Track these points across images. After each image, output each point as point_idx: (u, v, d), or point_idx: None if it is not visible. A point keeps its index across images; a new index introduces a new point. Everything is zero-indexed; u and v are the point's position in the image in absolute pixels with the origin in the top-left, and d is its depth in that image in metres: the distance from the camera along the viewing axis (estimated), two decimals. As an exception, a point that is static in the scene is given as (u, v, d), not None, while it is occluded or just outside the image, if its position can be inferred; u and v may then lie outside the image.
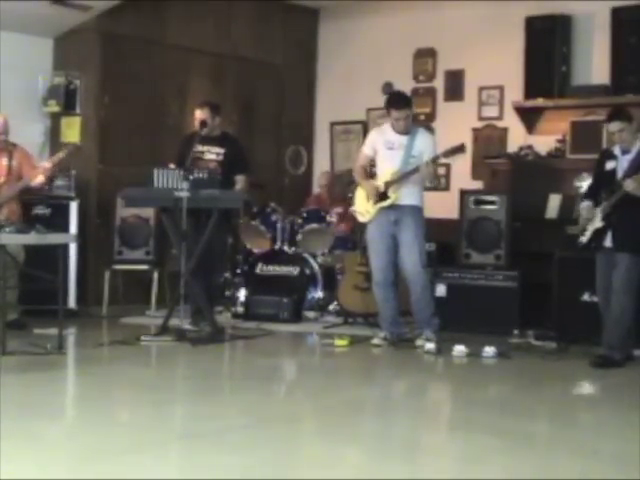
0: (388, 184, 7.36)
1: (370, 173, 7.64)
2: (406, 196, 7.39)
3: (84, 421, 4.96)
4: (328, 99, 10.94)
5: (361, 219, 7.64)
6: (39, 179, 7.76)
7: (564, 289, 7.70)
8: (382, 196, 7.39)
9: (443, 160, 7.56)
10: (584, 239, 6.92)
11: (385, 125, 7.66)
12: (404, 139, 7.41)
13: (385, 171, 7.42)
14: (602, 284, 6.92)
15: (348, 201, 9.35)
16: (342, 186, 9.62)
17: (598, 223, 6.82)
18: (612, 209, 6.75)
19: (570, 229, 7.57)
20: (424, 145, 7.42)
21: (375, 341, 7.48)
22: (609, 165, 6.93)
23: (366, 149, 7.62)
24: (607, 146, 7.68)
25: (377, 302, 7.59)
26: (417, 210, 7.45)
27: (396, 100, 7.55)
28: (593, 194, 7.00)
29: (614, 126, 6.85)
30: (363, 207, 7.55)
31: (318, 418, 5.19)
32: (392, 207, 7.38)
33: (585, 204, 6.99)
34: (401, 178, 7.33)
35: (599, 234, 6.83)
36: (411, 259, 7.37)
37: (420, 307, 7.45)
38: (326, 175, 10.23)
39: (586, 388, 6.39)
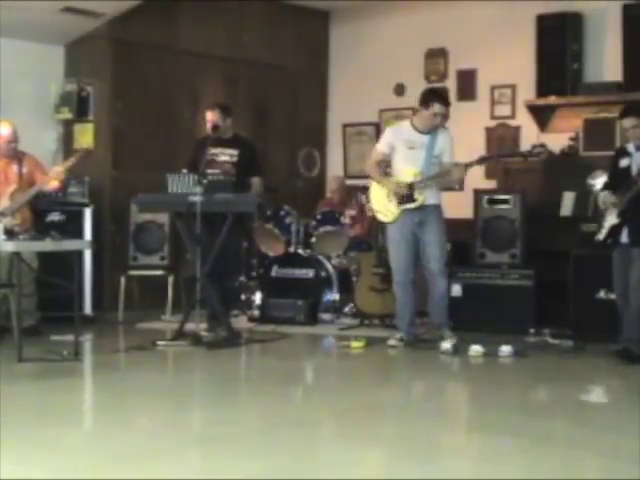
0: (413, 185, 7.27)
1: (384, 173, 7.58)
2: (430, 196, 7.35)
3: (102, 427, 4.96)
4: (340, 101, 10.94)
5: (382, 218, 7.51)
6: (53, 184, 7.78)
7: (580, 287, 7.69)
8: (407, 197, 7.33)
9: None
10: (601, 236, 6.91)
11: (403, 123, 7.61)
12: (425, 138, 7.33)
13: (406, 171, 7.32)
14: (619, 280, 6.91)
15: (360, 206, 9.40)
16: (349, 193, 9.66)
17: (614, 219, 6.81)
18: (627, 205, 6.74)
19: (585, 227, 7.56)
20: (445, 145, 7.36)
21: (391, 342, 7.47)
22: (623, 162, 6.93)
23: (382, 146, 7.48)
24: (621, 143, 7.66)
25: (397, 302, 7.54)
26: (439, 209, 7.45)
27: (442, 95, 7.48)
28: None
29: (628, 122, 6.85)
30: (383, 206, 7.43)
31: (336, 420, 5.18)
32: (417, 208, 7.34)
33: (604, 192, 6.98)
34: (431, 179, 7.28)
35: (615, 231, 6.82)
36: (436, 258, 7.36)
37: (441, 307, 7.44)
38: (336, 180, 10.21)
39: (604, 386, 6.36)
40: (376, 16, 10.44)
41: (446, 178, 7.36)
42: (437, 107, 7.27)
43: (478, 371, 6.83)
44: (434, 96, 7.40)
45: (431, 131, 7.34)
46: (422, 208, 7.32)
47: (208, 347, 7.22)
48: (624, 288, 6.85)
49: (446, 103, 7.36)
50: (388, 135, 7.53)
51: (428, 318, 7.66)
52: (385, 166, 7.52)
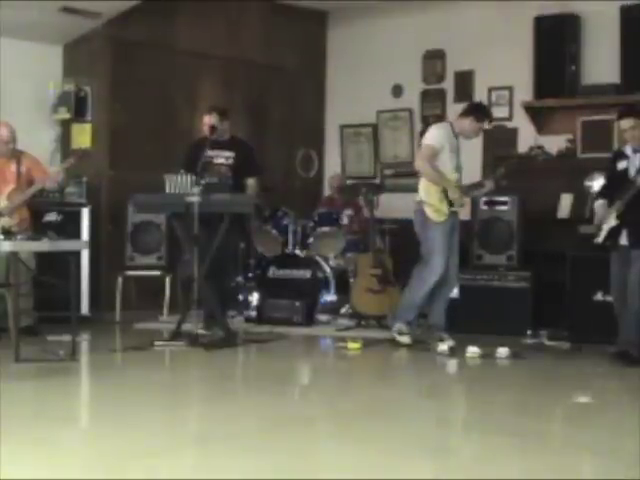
0: (463, 189, 7.45)
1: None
2: None
3: (99, 426, 4.96)
4: (338, 102, 10.94)
5: (432, 216, 7.39)
6: (51, 183, 7.77)
7: (577, 289, 7.70)
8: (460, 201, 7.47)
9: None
10: (599, 239, 6.92)
11: (446, 125, 7.66)
12: (457, 144, 7.52)
13: (450, 172, 7.42)
14: (617, 282, 6.93)
15: (358, 207, 9.42)
16: (351, 192, 9.67)
17: (613, 221, 6.82)
18: (626, 207, 6.74)
19: (582, 228, 7.57)
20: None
21: (404, 339, 7.44)
22: (621, 165, 6.94)
23: (437, 144, 7.43)
24: (618, 145, 7.68)
25: (420, 296, 7.45)
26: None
27: (491, 117, 7.66)
28: (606, 194, 7.01)
29: (626, 123, 6.86)
30: (438, 204, 7.38)
31: (333, 420, 5.18)
32: (455, 212, 7.46)
33: (599, 202, 7.01)
34: (472, 189, 7.55)
35: (614, 233, 6.83)
36: (457, 262, 7.50)
37: (444, 310, 7.52)
38: (337, 177, 10.23)
39: (601, 388, 6.36)
40: (374, 17, 10.44)
41: (479, 188, 7.61)
42: (484, 124, 7.52)
43: (475, 372, 6.83)
44: (488, 114, 7.62)
45: (457, 139, 7.54)
46: (456, 213, 7.48)
47: (205, 347, 7.22)
48: (622, 290, 6.86)
49: (491, 122, 7.68)
50: (441, 134, 7.50)
51: (425, 320, 7.66)
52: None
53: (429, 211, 7.39)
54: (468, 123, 7.46)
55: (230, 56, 10.10)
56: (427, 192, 7.42)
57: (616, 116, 7.24)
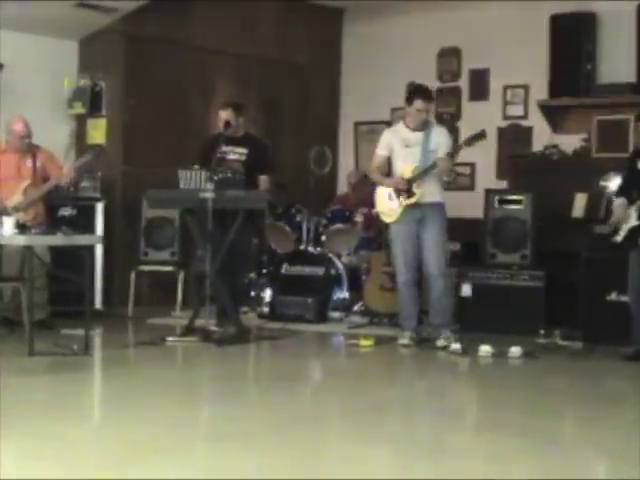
0: (410, 181, 7.33)
1: (386, 174, 7.64)
2: (430, 194, 7.37)
3: (111, 422, 4.97)
4: (352, 99, 10.93)
5: (386, 219, 7.58)
6: (65, 179, 7.79)
7: (590, 289, 7.66)
8: (407, 193, 7.35)
9: (464, 150, 7.49)
10: (619, 238, 6.88)
11: (398, 125, 7.67)
12: (419, 135, 7.38)
13: (404, 168, 7.39)
14: (635, 282, 6.89)
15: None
16: (370, 186, 9.61)
17: (633, 222, 6.78)
18: None
19: (597, 228, 7.54)
20: (440, 139, 7.41)
21: (404, 341, 7.45)
22: (640, 164, 6.91)
23: (380, 150, 7.57)
24: (635, 145, 7.64)
25: (402, 302, 7.55)
26: (441, 207, 7.45)
27: (424, 91, 7.44)
28: (624, 193, 6.97)
29: (646, 126, 6.82)
30: (387, 207, 7.50)
31: (345, 419, 5.18)
32: (417, 205, 7.35)
33: (619, 201, 6.96)
34: (422, 174, 7.30)
35: (634, 233, 6.79)
36: (436, 258, 7.36)
37: (438, 309, 7.45)
38: (355, 174, 10.19)
39: (614, 388, 6.35)
40: (389, 15, 10.42)
41: (435, 171, 7.32)
42: (419, 103, 7.33)
43: (487, 372, 6.82)
44: (416, 93, 7.44)
45: (424, 128, 7.40)
46: (423, 206, 7.35)
47: (217, 343, 7.23)
48: (639, 290, 6.83)
49: (428, 99, 7.38)
50: (385, 137, 7.61)
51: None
52: (385, 170, 7.62)
53: (381, 217, 7.59)
54: (407, 112, 7.46)
55: (245, 53, 10.10)
56: (377, 198, 7.61)
57: (634, 117, 7.20)
